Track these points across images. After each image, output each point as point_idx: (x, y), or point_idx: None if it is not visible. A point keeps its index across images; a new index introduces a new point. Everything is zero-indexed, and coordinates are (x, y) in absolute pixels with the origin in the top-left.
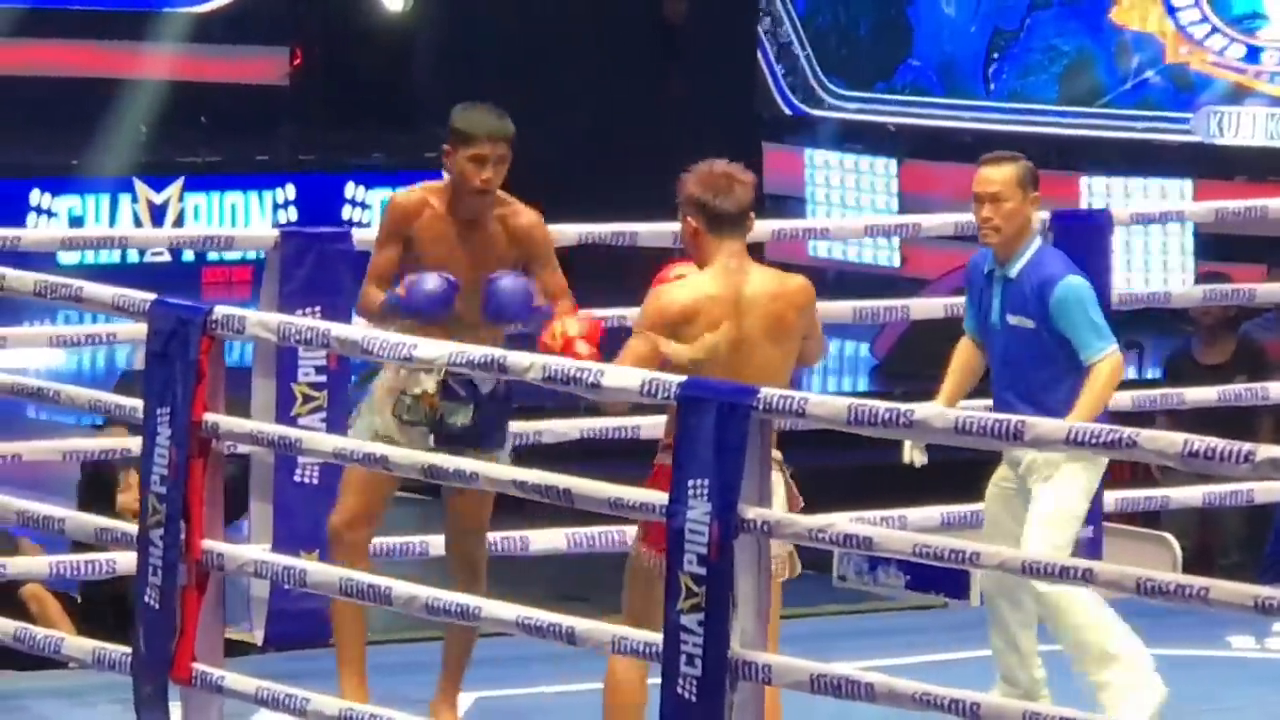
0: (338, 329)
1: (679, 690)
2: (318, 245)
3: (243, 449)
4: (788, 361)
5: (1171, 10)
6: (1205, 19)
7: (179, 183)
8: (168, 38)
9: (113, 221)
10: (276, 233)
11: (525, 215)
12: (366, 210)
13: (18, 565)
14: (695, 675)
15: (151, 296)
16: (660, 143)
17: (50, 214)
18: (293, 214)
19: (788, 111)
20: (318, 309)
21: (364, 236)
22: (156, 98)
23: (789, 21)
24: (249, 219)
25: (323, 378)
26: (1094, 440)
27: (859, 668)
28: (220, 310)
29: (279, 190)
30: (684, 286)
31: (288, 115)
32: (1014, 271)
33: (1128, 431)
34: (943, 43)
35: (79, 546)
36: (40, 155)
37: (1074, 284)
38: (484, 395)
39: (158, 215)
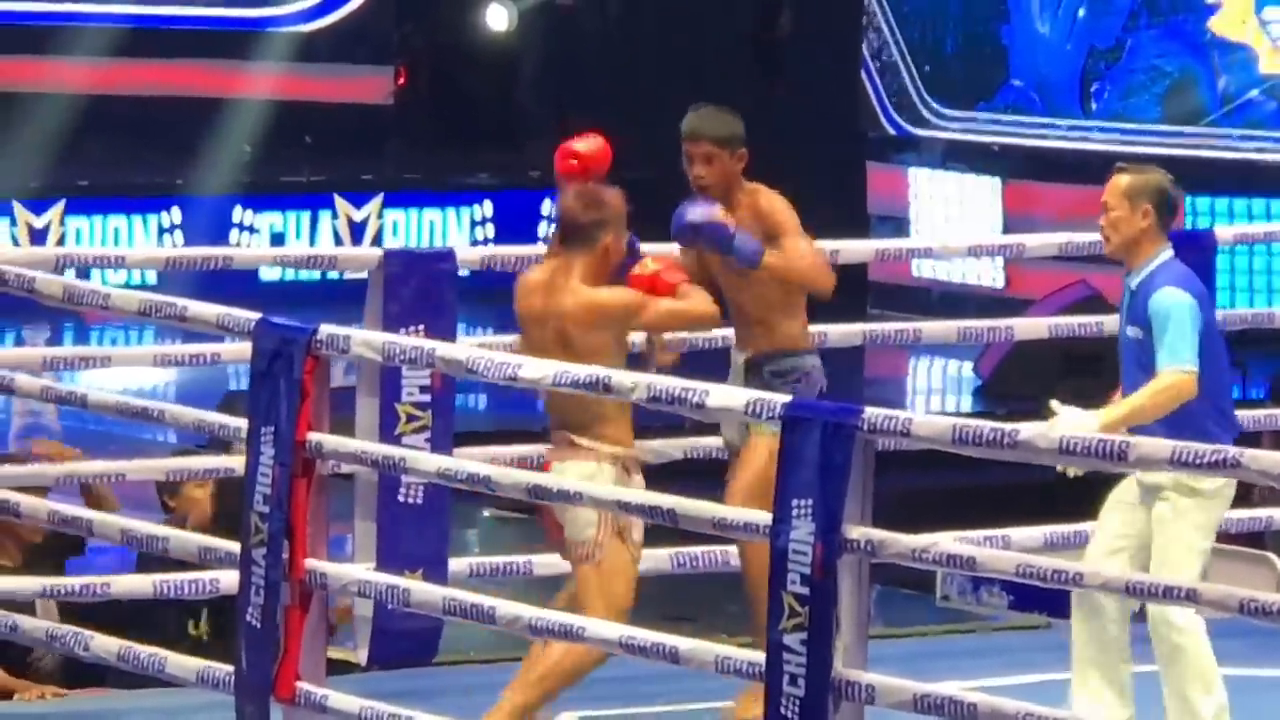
0: (442, 348)
1: (782, 710)
2: (422, 265)
3: (346, 468)
4: None
5: (1264, 24)
6: None
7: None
8: (273, 56)
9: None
10: (379, 252)
11: (765, 195)
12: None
13: (121, 585)
14: (798, 695)
15: (256, 316)
16: (764, 162)
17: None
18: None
19: (891, 131)
20: (421, 328)
21: (467, 256)
22: (261, 117)
23: (893, 40)
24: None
25: (427, 397)
26: (1198, 461)
27: (962, 688)
28: (325, 329)
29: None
30: None
31: (392, 134)
32: (1135, 283)
33: (1233, 451)
34: (1039, 62)
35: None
36: (143, 175)
37: (1173, 295)
38: None
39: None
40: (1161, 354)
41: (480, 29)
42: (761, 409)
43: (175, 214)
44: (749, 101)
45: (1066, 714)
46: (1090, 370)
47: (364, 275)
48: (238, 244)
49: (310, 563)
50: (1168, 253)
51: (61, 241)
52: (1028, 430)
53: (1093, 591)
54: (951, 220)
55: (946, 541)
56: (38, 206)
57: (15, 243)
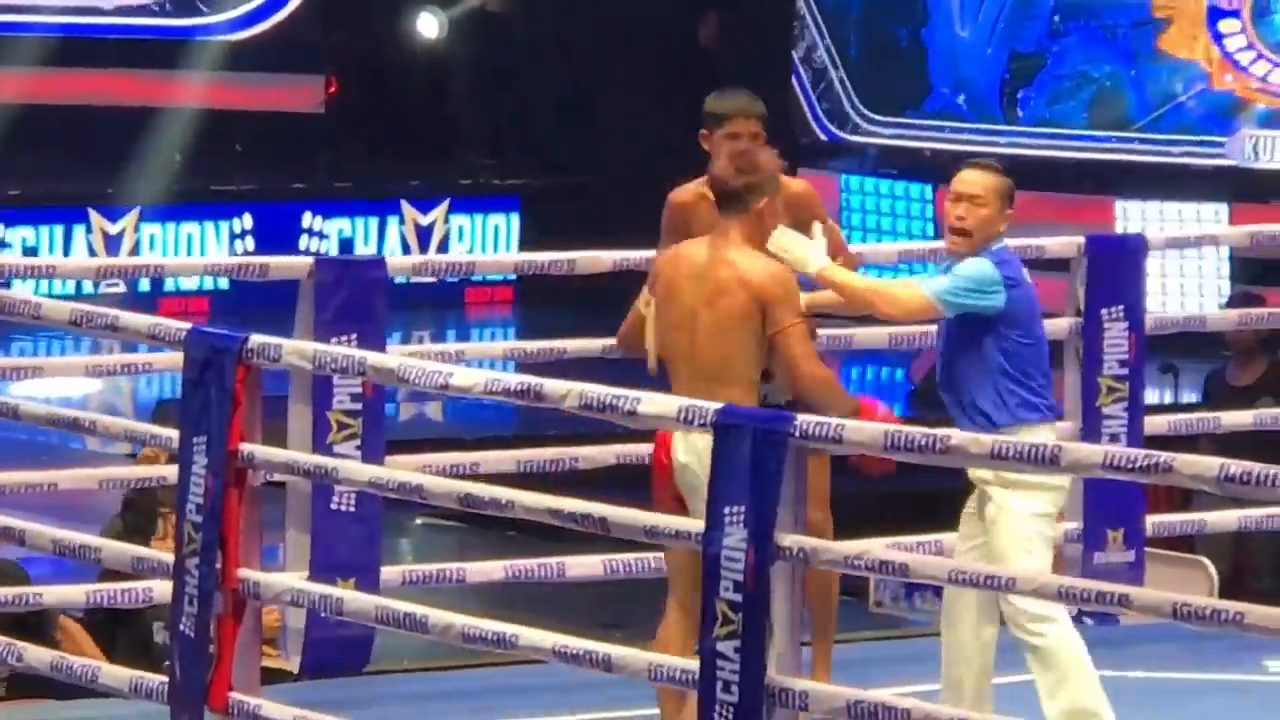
0: (373, 357)
1: (715, 717)
2: (352, 273)
3: (279, 477)
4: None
5: (1218, 37)
6: (1251, 45)
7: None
8: (202, 65)
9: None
10: (310, 260)
11: (794, 183)
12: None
13: (53, 594)
14: (732, 702)
15: (188, 325)
16: (698, 170)
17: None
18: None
19: (823, 137)
20: (353, 337)
21: (398, 264)
22: (191, 126)
23: (823, 46)
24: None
25: (358, 405)
26: (1130, 465)
27: (896, 694)
28: (256, 339)
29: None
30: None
31: (323, 142)
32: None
33: (1163, 456)
34: (959, 66)
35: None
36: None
37: (976, 260)
38: None
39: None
40: (931, 280)
41: (411, 37)
42: (693, 416)
43: (105, 223)
44: (680, 108)
45: (999, 718)
46: None
47: (114, 290)
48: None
49: (243, 572)
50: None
51: None
52: (959, 435)
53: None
54: (883, 226)
55: (879, 548)
56: None
57: None
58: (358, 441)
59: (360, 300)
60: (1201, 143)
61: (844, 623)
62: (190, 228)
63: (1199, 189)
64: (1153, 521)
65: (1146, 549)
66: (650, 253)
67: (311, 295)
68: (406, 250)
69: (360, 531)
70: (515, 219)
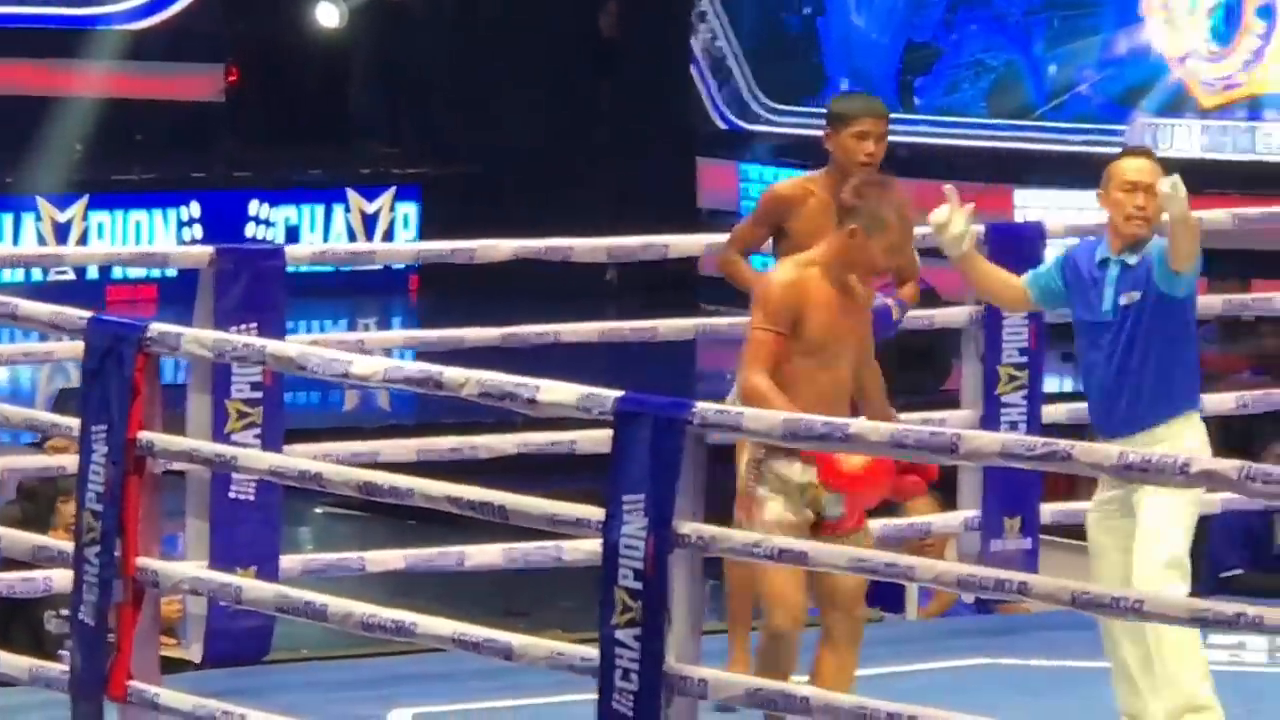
0: (273, 345)
1: (615, 705)
2: (252, 262)
3: (179, 466)
4: None
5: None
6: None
7: (83, 201)
8: (103, 55)
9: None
10: (210, 250)
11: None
12: (270, 227)
13: None
14: (631, 690)
15: (88, 314)
16: (596, 158)
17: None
18: (198, 231)
19: (722, 126)
20: (253, 326)
21: (297, 253)
22: (91, 115)
23: (723, 35)
24: (153, 237)
25: (258, 394)
26: (1029, 454)
27: (794, 682)
28: (155, 327)
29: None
30: None
31: (224, 131)
32: (1134, 259)
33: (1062, 444)
34: (853, 55)
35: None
36: None
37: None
38: None
39: (61, 233)
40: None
41: (311, 26)
42: (592, 405)
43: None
44: (581, 97)
45: (897, 706)
46: (922, 361)
47: (63, 277)
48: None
49: (142, 561)
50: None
51: None
52: (859, 423)
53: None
54: None
55: (779, 536)
56: None
57: None
58: (257, 430)
59: (260, 289)
60: (1101, 131)
61: None
62: (139, 215)
63: (1098, 177)
64: (1052, 510)
65: (1045, 537)
66: (552, 241)
67: (211, 285)
68: (353, 238)
69: (260, 520)
70: (414, 207)
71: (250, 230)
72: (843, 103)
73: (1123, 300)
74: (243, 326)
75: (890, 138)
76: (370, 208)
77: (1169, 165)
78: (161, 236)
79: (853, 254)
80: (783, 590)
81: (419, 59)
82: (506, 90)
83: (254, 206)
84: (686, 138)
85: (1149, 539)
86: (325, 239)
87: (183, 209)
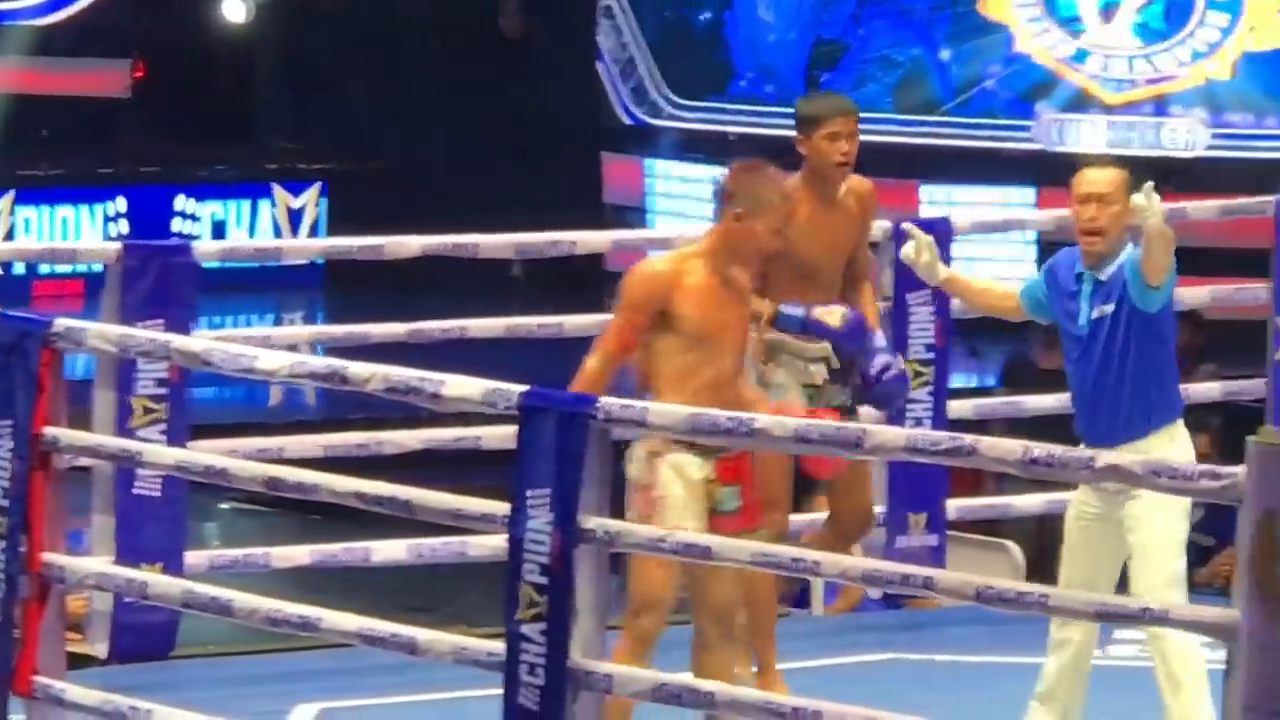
0: (178, 341)
1: (521, 701)
2: (159, 258)
3: (84, 461)
4: None
5: (1017, 5)
6: (1039, 18)
7: (9, 196)
8: (9, 50)
9: None
10: (118, 245)
11: (866, 183)
12: (196, 222)
13: None
14: (537, 685)
15: None
16: (502, 155)
17: None
18: (124, 227)
19: (628, 121)
20: (159, 322)
21: (204, 249)
22: None
23: (629, 31)
24: (79, 233)
25: (163, 390)
26: (934, 449)
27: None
28: (60, 323)
29: (109, 204)
30: None
31: (131, 127)
32: (1106, 274)
33: (968, 439)
34: (761, 51)
35: None
36: None
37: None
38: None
39: None
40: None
41: (218, 21)
42: (498, 398)
43: None
44: (486, 93)
45: (802, 702)
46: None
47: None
48: None
49: (48, 556)
50: (1130, 244)
51: None
52: (765, 418)
53: (1065, 625)
54: (688, 210)
55: (684, 531)
56: None
57: None
58: (163, 426)
59: (167, 285)
60: (1008, 126)
61: None
62: (65, 211)
63: (1006, 172)
64: (957, 505)
65: (951, 533)
66: (459, 236)
67: (119, 280)
68: (278, 233)
69: (165, 516)
70: (220, 205)
71: (176, 225)
72: (810, 105)
73: (1095, 314)
74: (149, 322)
75: (796, 132)
76: (296, 203)
77: (1075, 161)
78: (88, 232)
79: (738, 239)
80: (661, 594)
81: (325, 55)
82: (413, 86)
83: (180, 202)
84: (592, 134)
85: (1149, 560)
86: (251, 234)
87: (109, 205)
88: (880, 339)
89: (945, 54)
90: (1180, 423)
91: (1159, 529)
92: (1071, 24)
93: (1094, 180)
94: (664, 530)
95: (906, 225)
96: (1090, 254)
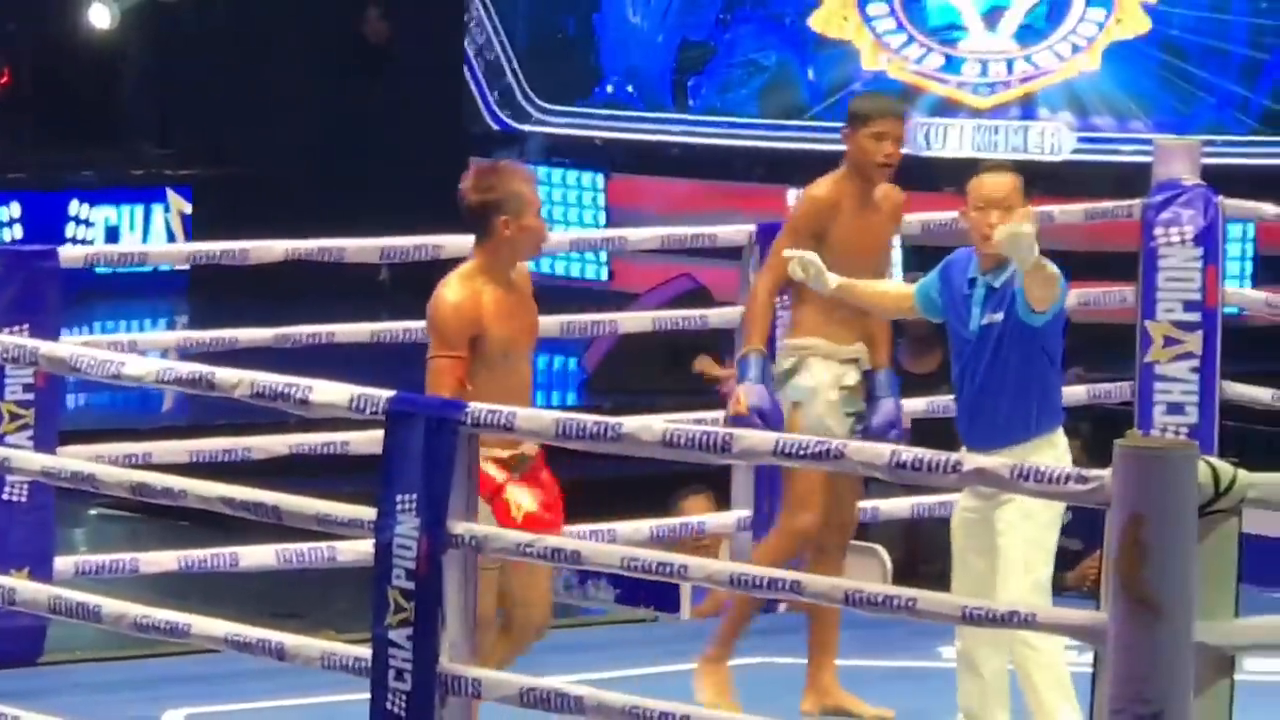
0: (45, 346)
1: (389, 706)
2: (26, 263)
3: None
4: None
5: (867, 19)
6: (901, 27)
7: None
8: None
9: None
10: None
11: (900, 193)
12: (90, 228)
13: None
14: (405, 690)
15: None
16: (368, 160)
17: None
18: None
19: (495, 126)
20: (25, 327)
21: (70, 254)
22: None
23: (495, 36)
24: None
25: (30, 395)
26: (802, 453)
27: (568, 681)
28: None
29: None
30: None
31: None
32: (999, 281)
33: (835, 442)
34: (630, 54)
35: None
36: None
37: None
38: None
39: None
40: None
41: (83, 26)
42: (365, 404)
43: None
44: (352, 97)
45: (671, 706)
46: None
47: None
48: None
49: None
50: None
51: None
52: (631, 423)
53: (969, 650)
54: (555, 215)
55: (551, 535)
56: None
57: None
58: (30, 432)
59: (32, 291)
60: None
61: None
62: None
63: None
64: None
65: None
66: (324, 241)
67: None
68: (172, 238)
69: (32, 521)
70: (114, 210)
71: (70, 230)
72: (861, 102)
73: (985, 320)
74: (15, 328)
75: (665, 138)
76: (190, 208)
77: (939, 165)
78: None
79: (515, 242)
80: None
81: (190, 60)
82: (279, 92)
83: (74, 207)
84: (459, 138)
85: (1011, 568)
86: (145, 239)
87: (2, 210)
88: (884, 381)
89: (812, 57)
90: (1061, 430)
91: (1025, 535)
92: (946, 32)
93: (994, 185)
94: (528, 536)
95: (787, 251)
96: (987, 258)
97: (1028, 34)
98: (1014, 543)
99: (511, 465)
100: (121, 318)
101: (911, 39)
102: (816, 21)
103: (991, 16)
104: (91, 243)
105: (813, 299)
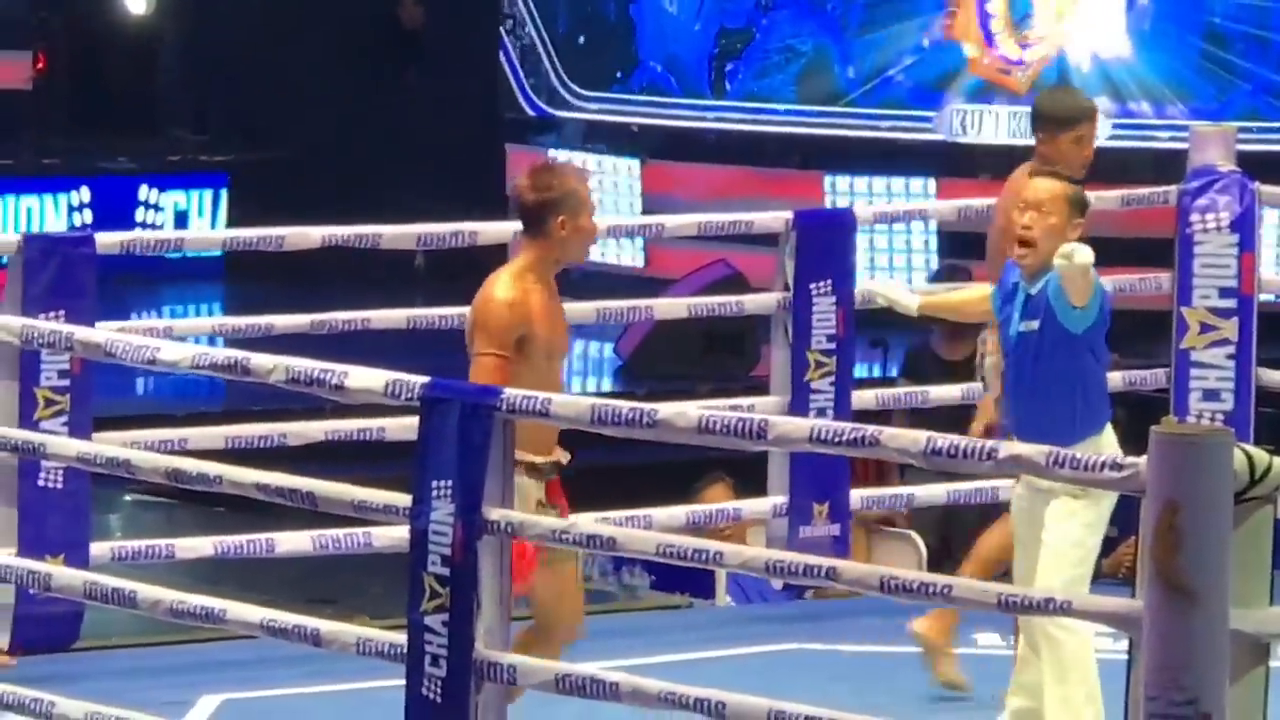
0: (81, 332)
1: (424, 691)
2: (61, 249)
3: None
4: None
5: (985, 19)
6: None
7: None
8: None
9: None
10: (19, 237)
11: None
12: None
13: None
14: (440, 676)
15: None
16: (404, 146)
17: None
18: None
19: (531, 112)
20: (61, 313)
21: (106, 241)
22: None
23: (531, 22)
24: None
25: (66, 381)
26: (837, 439)
27: (604, 668)
28: None
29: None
30: None
31: (32, 119)
32: (1035, 289)
33: (870, 429)
34: (667, 41)
35: None
36: None
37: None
38: None
39: None
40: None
41: (119, 12)
42: (400, 389)
43: None
44: (388, 84)
45: (706, 692)
46: (731, 348)
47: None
48: None
49: None
50: None
51: None
52: (666, 409)
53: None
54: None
55: (587, 522)
56: None
57: None
58: (65, 418)
59: (68, 276)
60: (910, 117)
61: None
62: (30, 201)
63: (907, 163)
64: (860, 495)
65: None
66: (360, 228)
67: (20, 272)
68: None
69: (68, 507)
70: (222, 194)
71: (140, 215)
72: (1060, 105)
73: (1022, 328)
74: (51, 314)
75: (701, 124)
76: None
77: (975, 151)
78: (52, 221)
79: (567, 242)
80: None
81: (227, 46)
82: (315, 78)
83: (143, 192)
84: (495, 124)
85: (1047, 563)
86: (213, 225)
87: (73, 194)
88: None
89: (850, 43)
90: (1107, 429)
91: (1066, 534)
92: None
93: (1036, 188)
94: (564, 523)
95: (860, 290)
96: (1021, 265)
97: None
98: (1054, 539)
99: (544, 472)
100: (158, 303)
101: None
102: (950, 30)
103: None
104: (161, 227)
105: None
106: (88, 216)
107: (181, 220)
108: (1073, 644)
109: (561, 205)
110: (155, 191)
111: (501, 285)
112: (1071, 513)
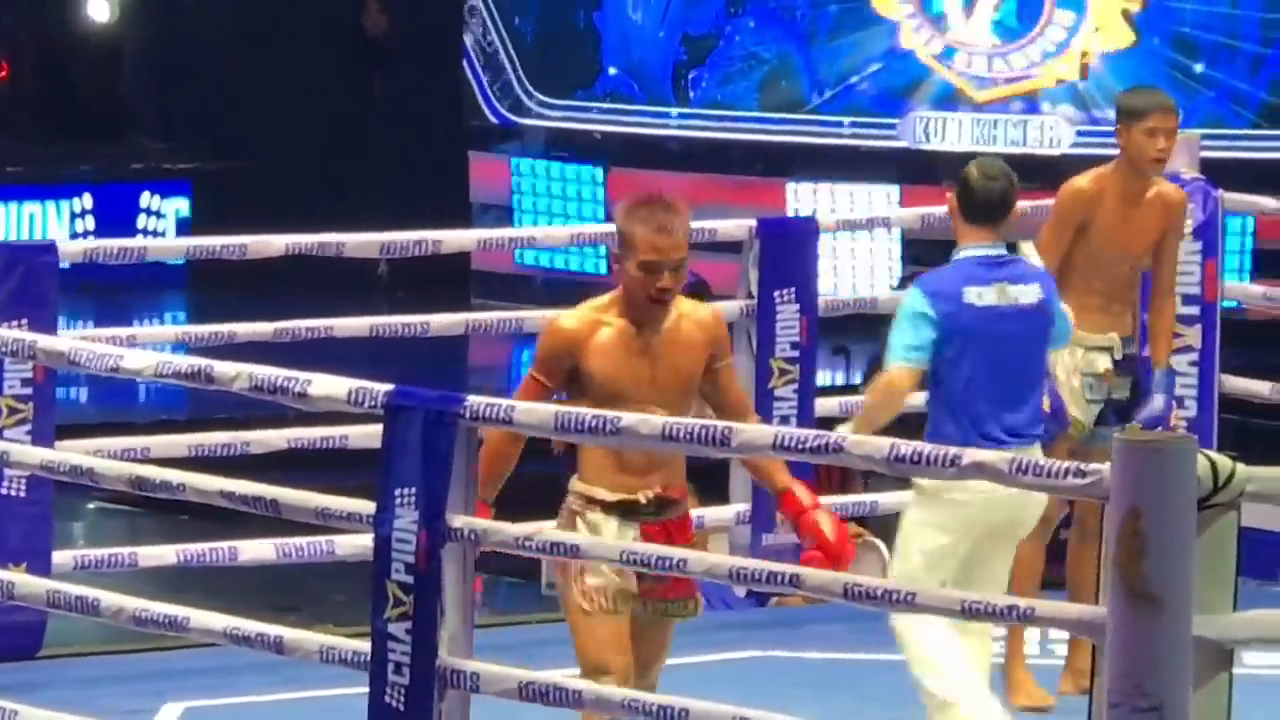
0: (43, 340)
1: (387, 699)
2: (24, 258)
3: None
4: None
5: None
6: (916, 14)
7: None
8: None
9: None
10: None
11: (1179, 192)
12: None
13: None
14: (403, 684)
15: None
16: (367, 154)
17: None
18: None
19: (494, 120)
20: (24, 321)
21: (69, 249)
22: None
23: (494, 29)
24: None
25: (29, 390)
26: (801, 446)
27: (567, 675)
28: None
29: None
30: None
31: None
32: None
33: (834, 436)
34: (631, 49)
35: None
36: None
37: (907, 293)
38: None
39: None
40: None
41: (83, 20)
42: (363, 398)
43: None
44: (352, 92)
45: (670, 699)
46: None
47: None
48: None
49: None
50: (963, 252)
51: None
52: (630, 417)
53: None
54: (555, 209)
55: (550, 529)
56: None
57: None
58: (28, 426)
59: (31, 285)
60: (873, 125)
61: (515, 604)
62: (32, 207)
63: (871, 171)
64: (824, 503)
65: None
66: (324, 236)
67: None
68: (75, 235)
69: (31, 515)
70: (186, 202)
71: (141, 222)
72: (1134, 98)
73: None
74: (13, 322)
75: (665, 131)
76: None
77: (939, 158)
78: (54, 228)
79: (626, 284)
80: (599, 658)
81: (191, 54)
82: (279, 86)
83: (145, 198)
84: (458, 132)
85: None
86: (177, 233)
87: (75, 201)
88: (1160, 379)
89: (813, 51)
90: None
91: (901, 526)
92: (939, 22)
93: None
94: (527, 530)
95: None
96: None
97: (1002, 30)
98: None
99: (619, 511)
100: (121, 312)
101: (921, 26)
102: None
103: (968, 9)
104: (163, 234)
105: (1063, 285)
106: (79, 224)
107: (184, 227)
108: (909, 639)
109: (619, 240)
110: (157, 198)
111: (569, 312)
112: (911, 505)
